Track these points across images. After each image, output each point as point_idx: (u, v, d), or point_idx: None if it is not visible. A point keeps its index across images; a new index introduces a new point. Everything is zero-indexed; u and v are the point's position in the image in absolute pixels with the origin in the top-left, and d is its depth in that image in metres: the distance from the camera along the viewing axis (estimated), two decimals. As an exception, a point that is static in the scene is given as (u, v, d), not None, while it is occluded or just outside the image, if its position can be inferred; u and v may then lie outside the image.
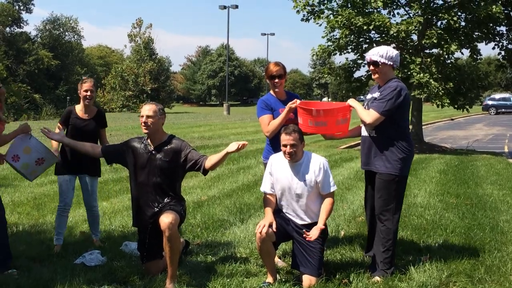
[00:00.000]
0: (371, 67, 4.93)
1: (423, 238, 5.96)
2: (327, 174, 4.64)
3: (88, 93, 5.68)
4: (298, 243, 4.65)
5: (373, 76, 5.00)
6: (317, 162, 4.63)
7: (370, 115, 4.75)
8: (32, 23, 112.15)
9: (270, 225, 4.48)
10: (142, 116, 4.80)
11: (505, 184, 9.75)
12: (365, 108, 4.93)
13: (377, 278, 4.74)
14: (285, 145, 4.55)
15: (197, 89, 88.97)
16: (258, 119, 5.22)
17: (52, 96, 54.77)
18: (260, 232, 4.44)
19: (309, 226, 4.64)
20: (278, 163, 4.72)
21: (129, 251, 5.49)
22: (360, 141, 5.15)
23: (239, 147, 4.67)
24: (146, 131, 4.81)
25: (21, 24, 59.16)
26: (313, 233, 4.52)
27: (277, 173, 4.70)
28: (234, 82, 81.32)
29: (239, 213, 7.32)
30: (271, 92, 5.24)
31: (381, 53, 4.83)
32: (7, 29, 56.92)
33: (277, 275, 4.70)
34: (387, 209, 4.82)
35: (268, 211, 4.64)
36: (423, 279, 4.64)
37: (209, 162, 4.76)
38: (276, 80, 5.11)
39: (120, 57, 78.77)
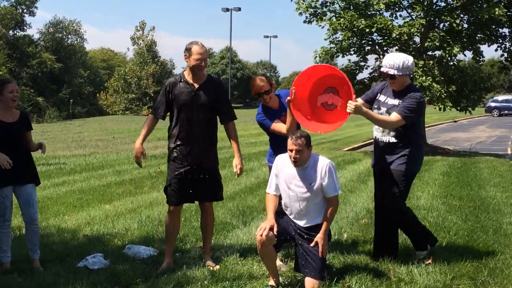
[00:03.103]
0: (388, 78, 5.03)
1: (426, 241, 5.94)
2: (333, 177, 4.61)
3: (15, 94, 5.12)
4: (300, 246, 4.64)
5: (390, 85, 5.10)
6: (323, 165, 4.60)
7: (394, 119, 4.89)
8: (35, 26, 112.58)
9: (271, 228, 4.48)
10: (200, 59, 4.96)
11: (508, 186, 9.73)
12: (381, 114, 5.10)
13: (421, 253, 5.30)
14: (290, 150, 4.54)
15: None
16: (266, 130, 5.25)
17: (55, 99, 54.85)
18: (261, 235, 4.44)
19: (312, 228, 4.63)
20: (284, 164, 4.70)
21: (132, 254, 5.49)
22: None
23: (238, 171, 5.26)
24: (201, 70, 5.05)
25: (24, 27, 59.32)
26: (321, 244, 4.53)
27: (282, 175, 4.70)
28: (236, 84, 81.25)
29: (242, 215, 7.32)
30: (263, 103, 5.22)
31: (397, 65, 4.88)
32: (11, 32, 57.04)
33: (280, 278, 4.70)
34: (394, 199, 5.14)
35: (270, 213, 4.63)
36: (427, 282, 4.63)
37: (228, 133, 5.33)
38: (265, 97, 5.12)
39: (123, 60, 78.84)
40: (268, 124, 5.15)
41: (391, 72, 4.90)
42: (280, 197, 4.77)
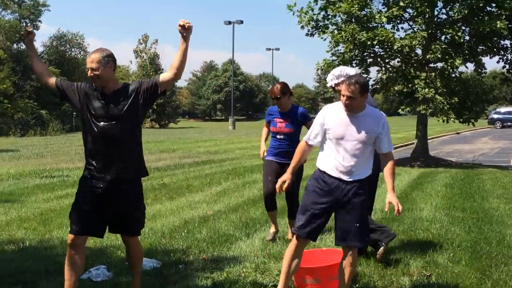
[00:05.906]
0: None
1: (429, 253, 5.93)
2: (389, 133, 4.41)
3: None
4: (342, 216, 4.34)
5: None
6: (382, 117, 4.42)
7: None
8: (39, 39, 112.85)
9: (284, 182, 4.48)
10: (87, 69, 4.33)
11: (511, 198, 9.72)
12: None
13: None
14: (343, 95, 4.31)
15: (202, 104, 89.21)
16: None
17: (58, 112, 54.97)
18: (280, 190, 4.53)
19: (355, 183, 4.33)
20: (334, 112, 4.42)
21: (135, 266, 5.49)
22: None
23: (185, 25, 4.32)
24: (96, 84, 4.35)
25: (28, 41, 59.60)
26: (395, 202, 4.22)
27: (332, 122, 4.39)
28: (239, 97, 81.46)
29: (245, 227, 7.32)
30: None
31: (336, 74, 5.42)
32: (15, 45, 57.41)
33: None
34: None
35: (291, 167, 4.53)
36: (430, 294, 4.63)
37: (165, 74, 4.40)
38: (276, 101, 6.48)
39: (126, 73, 79.03)
40: (267, 118, 6.71)
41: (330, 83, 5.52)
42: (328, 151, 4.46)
